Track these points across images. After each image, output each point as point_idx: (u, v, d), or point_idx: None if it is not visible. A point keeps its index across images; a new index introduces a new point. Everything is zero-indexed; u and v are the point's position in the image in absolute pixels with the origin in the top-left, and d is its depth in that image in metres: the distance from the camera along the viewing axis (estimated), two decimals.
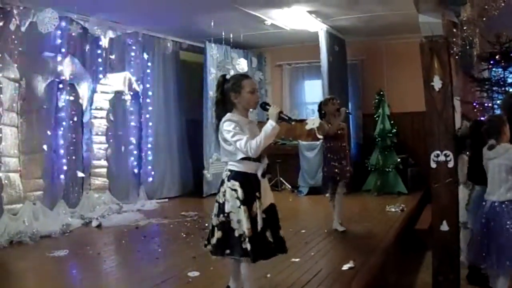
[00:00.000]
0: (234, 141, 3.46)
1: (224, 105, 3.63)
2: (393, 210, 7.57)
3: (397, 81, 10.14)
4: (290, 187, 9.92)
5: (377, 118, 9.56)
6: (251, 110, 3.69)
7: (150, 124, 9.24)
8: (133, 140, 8.95)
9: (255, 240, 3.48)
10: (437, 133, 4.43)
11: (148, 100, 9.22)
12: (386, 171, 9.24)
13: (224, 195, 3.56)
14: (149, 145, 9.22)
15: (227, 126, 3.50)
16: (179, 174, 9.86)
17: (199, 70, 9.75)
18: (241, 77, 3.72)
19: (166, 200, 9.21)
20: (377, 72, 10.40)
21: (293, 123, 3.58)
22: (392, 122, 9.52)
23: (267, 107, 3.64)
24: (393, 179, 9.23)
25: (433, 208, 4.53)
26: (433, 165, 4.43)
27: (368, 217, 7.22)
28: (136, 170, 9.00)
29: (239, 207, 3.49)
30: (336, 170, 6.10)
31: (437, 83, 4.39)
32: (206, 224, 6.82)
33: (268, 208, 3.64)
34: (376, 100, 9.60)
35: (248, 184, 3.54)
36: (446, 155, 4.40)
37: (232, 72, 9.94)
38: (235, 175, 3.55)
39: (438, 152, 4.42)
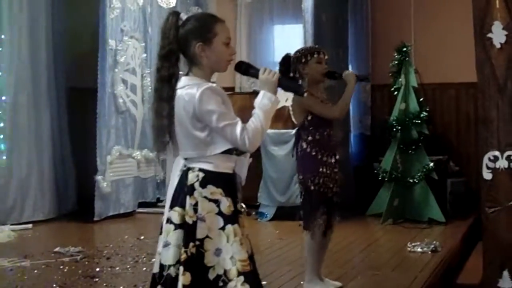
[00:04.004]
0: (222, 127, 3.60)
1: (176, 62, 3.75)
2: (419, 250, 7.60)
3: (432, 30, 10.27)
4: (244, 207, 9.85)
5: (396, 93, 9.60)
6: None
7: (2, 93, 9.14)
8: None
9: (255, 277, 3.66)
10: (495, 120, 4.46)
11: None
12: (410, 183, 9.32)
13: (195, 211, 3.65)
14: None
15: (208, 101, 3.59)
16: (52, 182, 9.82)
17: (90, 0, 9.69)
18: (210, 18, 3.85)
19: (29, 226, 9.17)
20: (398, 13, 10.51)
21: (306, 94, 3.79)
22: (421, 99, 9.59)
23: (251, 70, 3.79)
24: (421, 197, 9.29)
25: (485, 249, 4.57)
26: (487, 175, 4.53)
27: (378, 261, 7.29)
28: None
29: (223, 228, 3.65)
30: (334, 180, 5.95)
31: (498, 35, 4.44)
32: (98, 269, 6.78)
33: None
34: (396, 62, 9.62)
35: (234, 190, 3.79)
36: (510, 159, 4.43)
37: (149, 8, 9.93)
38: (213, 178, 3.70)
39: (497, 153, 4.45)
